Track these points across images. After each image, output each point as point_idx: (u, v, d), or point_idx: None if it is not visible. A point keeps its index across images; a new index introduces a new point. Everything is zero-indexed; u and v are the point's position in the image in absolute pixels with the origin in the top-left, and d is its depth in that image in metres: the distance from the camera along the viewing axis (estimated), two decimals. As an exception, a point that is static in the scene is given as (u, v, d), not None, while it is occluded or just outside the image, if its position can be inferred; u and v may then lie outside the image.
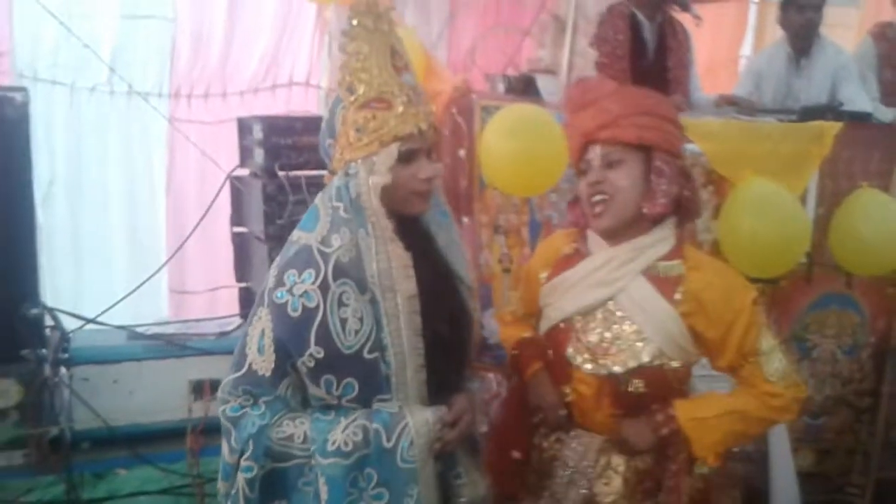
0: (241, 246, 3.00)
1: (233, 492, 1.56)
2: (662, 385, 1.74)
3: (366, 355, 1.51)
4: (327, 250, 1.51)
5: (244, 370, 1.56)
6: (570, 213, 1.88)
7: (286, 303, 1.51)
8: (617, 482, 1.76)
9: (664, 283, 1.73)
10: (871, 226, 2.86)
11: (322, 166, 2.60)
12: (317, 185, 2.58)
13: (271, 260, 2.59)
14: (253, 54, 4.06)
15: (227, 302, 3.49)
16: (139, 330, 2.59)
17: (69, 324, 2.52)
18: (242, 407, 1.56)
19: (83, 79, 3.77)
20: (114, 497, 3.02)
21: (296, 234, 1.59)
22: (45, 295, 2.47)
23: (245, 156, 2.89)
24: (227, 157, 3.64)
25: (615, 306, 1.74)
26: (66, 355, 2.36)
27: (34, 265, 2.28)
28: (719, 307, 1.72)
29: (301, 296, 1.50)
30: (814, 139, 2.87)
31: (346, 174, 1.53)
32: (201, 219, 2.96)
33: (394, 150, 1.51)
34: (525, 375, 1.85)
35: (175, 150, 3.95)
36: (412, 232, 1.61)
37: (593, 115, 1.75)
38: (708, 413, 1.73)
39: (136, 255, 3.90)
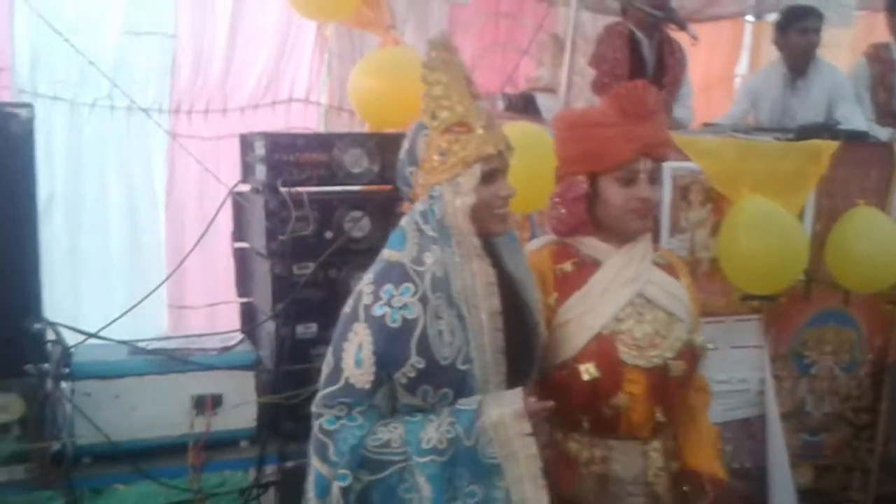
0: (242, 261, 3.00)
1: None
2: (695, 362, 1.87)
3: (459, 366, 1.58)
4: (421, 268, 1.60)
5: (341, 384, 1.61)
6: (550, 221, 1.94)
7: (384, 315, 1.58)
8: (665, 480, 1.85)
9: (667, 269, 1.91)
10: (867, 243, 2.90)
11: (324, 183, 2.66)
12: (319, 202, 2.61)
13: (273, 275, 2.63)
14: (253, 71, 4.08)
15: (226, 317, 3.49)
16: (141, 345, 2.57)
17: (70, 339, 2.52)
18: (338, 419, 1.60)
19: (83, 94, 3.78)
20: (113, 512, 3.02)
21: (386, 253, 1.66)
22: (45, 310, 2.46)
23: (247, 171, 2.89)
24: (227, 172, 3.65)
25: (642, 299, 1.83)
26: (68, 370, 2.34)
27: (37, 280, 2.27)
28: (693, 286, 1.97)
29: (401, 308, 1.57)
30: (811, 158, 2.91)
31: (431, 197, 1.62)
32: (203, 234, 2.96)
33: (477, 170, 1.59)
34: None
35: (175, 165, 3.96)
36: (488, 254, 1.67)
37: (654, 130, 1.81)
38: (716, 446, 1.93)
39: (135, 270, 3.90)
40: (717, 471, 1.90)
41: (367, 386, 1.58)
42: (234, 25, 3.98)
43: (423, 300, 1.57)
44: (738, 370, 2.97)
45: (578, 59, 3.67)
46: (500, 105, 3.14)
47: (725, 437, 2.90)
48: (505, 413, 1.55)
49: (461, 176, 1.59)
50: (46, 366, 2.28)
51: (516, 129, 2.69)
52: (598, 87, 3.67)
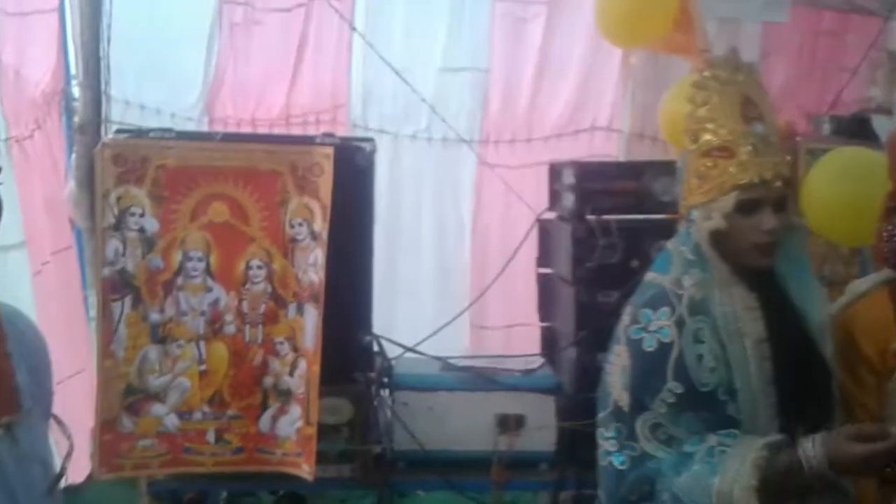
0: (545, 287, 3.07)
1: None
2: None
3: (720, 396, 1.53)
4: (680, 291, 1.58)
5: (611, 408, 1.63)
6: (886, 256, 1.72)
7: (641, 339, 1.58)
8: None
9: None
10: None
11: (632, 211, 2.65)
12: (627, 230, 2.60)
13: (577, 302, 2.66)
14: (559, 101, 4.18)
15: (524, 339, 3.58)
16: (451, 362, 2.73)
17: (389, 352, 2.74)
18: (609, 453, 1.62)
19: (405, 127, 4.11)
20: (417, 517, 3.21)
21: (650, 276, 1.67)
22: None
23: (554, 199, 2.96)
24: (530, 200, 3.76)
25: None
26: (389, 380, 2.55)
27: (369, 298, 2.51)
28: None
29: (656, 332, 1.57)
30: None
31: (688, 220, 1.61)
32: (509, 259, 3.08)
33: (732, 198, 1.54)
34: None
35: (482, 193, 4.16)
36: (762, 283, 1.60)
37: None
38: None
39: (442, 291, 4.14)
40: None
41: (630, 410, 1.57)
42: (542, 58, 4.11)
43: (680, 323, 1.54)
44: None
45: (919, 76, 3.29)
46: (827, 128, 2.90)
47: None
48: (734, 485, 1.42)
49: (715, 202, 1.55)
50: (372, 375, 2.51)
51: (845, 154, 2.49)
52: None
